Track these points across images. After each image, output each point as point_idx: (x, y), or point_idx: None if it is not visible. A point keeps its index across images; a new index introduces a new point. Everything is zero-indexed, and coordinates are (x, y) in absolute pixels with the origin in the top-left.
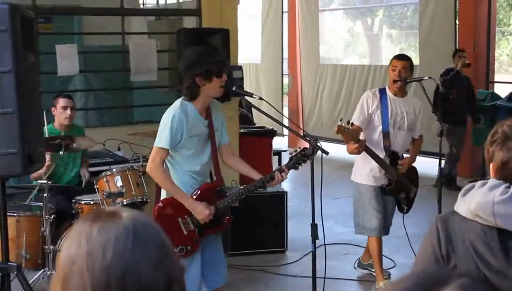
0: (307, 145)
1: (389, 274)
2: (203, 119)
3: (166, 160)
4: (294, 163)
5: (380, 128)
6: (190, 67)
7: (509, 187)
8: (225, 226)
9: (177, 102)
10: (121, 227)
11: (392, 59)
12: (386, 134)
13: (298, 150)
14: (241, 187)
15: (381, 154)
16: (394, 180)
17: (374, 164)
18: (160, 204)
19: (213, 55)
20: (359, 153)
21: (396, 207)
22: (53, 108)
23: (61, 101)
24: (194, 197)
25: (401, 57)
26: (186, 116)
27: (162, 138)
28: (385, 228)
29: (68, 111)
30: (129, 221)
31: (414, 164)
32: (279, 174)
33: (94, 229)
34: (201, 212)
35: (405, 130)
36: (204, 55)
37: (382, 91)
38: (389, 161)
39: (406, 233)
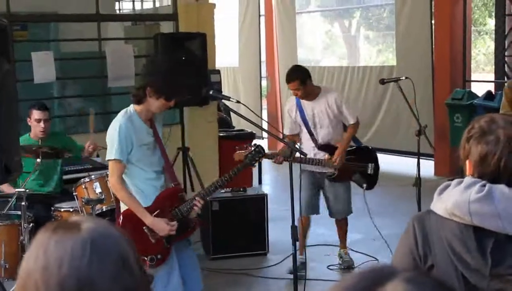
0: (262, 141)
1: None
2: (147, 127)
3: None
4: (250, 160)
5: (305, 130)
6: (150, 75)
7: (484, 185)
8: (192, 231)
9: (121, 113)
10: (78, 240)
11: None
12: (311, 134)
13: (253, 147)
14: (202, 190)
15: (313, 151)
16: (337, 168)
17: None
18: (121, 217)
19: (177, 80)
20: (280, 163)
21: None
22: (28, 119)
23: (35, 114)
24: (150, 207)
25: (288, 80)
26: (133, 126)
27: (113, 151)
28: (336, 212)
29: (42, 124)
30: (88, 234)
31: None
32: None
33: (52, 242)
34: (161, 229)
35: (326, 127)
36: (169, 74)
37: (297, 98)
38: (325, 155)
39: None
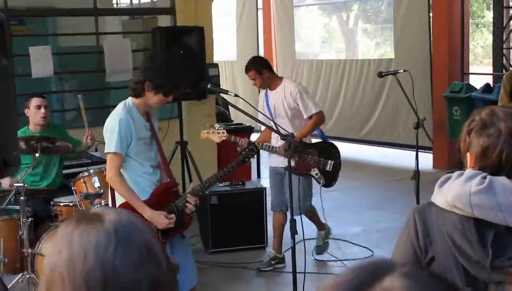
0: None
1: None
2: (145, 121)
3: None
4: (244, 158)
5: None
6: (149, 70)
7: (485, 177)
8: (187, 227)
9: (120, 106)
10: (102, 232)
11: None
12: (276, 124)
13: (246, 145)
14: (197, 185)
15: (278, 141)
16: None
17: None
18: None
19: (175, 76)
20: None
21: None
22: (26, 110)
23: (35, 101)
24: (147, 201)
25: (245, 71)
26: (132, 119)
27: (112, 144)
28: (297, 208)
29: (43, 110)
30: (111, 225)
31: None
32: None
33: (75, 234)
34: (160, 222)
35: (283, 117)
36: (169, 70)
37: (266, 91)
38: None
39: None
